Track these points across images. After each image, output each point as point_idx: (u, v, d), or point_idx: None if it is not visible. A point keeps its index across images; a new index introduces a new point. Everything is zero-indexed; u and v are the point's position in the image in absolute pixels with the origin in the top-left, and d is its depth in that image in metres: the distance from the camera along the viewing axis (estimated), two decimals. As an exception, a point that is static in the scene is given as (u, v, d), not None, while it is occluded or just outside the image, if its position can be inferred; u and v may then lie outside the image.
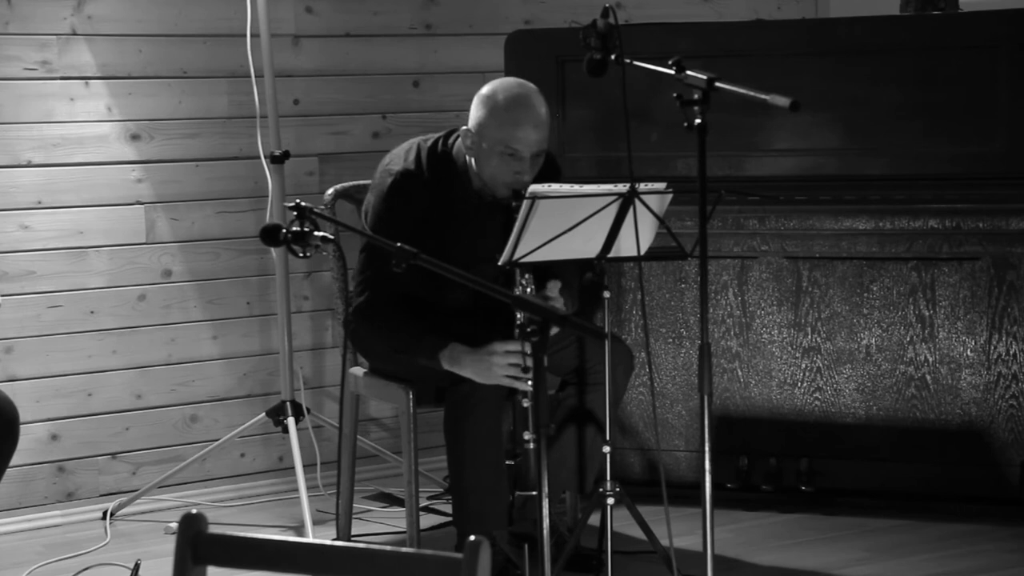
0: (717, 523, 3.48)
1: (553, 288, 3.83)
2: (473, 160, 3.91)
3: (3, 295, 4.38)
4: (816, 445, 4.63)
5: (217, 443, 4.79)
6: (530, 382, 3.60)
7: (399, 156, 3.98)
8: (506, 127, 3.81)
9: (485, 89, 3.89)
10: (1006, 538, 4.35)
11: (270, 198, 4.66)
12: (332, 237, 3.18)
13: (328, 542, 2.01)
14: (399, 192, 3.89)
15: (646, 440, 4.74)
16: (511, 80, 3.93)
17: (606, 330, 3.69)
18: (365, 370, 4.27)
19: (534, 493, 3.08)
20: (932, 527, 4.45)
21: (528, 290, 3.70)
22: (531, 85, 3.91)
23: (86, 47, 4.67)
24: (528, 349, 3.59)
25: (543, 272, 3.81)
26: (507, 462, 4.35)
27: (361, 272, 3.96)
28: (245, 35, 4.69)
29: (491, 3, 5.27)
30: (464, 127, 3.89)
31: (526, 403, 3.64)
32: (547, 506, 2.97)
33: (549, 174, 3.97)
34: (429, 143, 3.98)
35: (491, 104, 3.84)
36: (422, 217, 3.89)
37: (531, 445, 3.53)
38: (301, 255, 3.19)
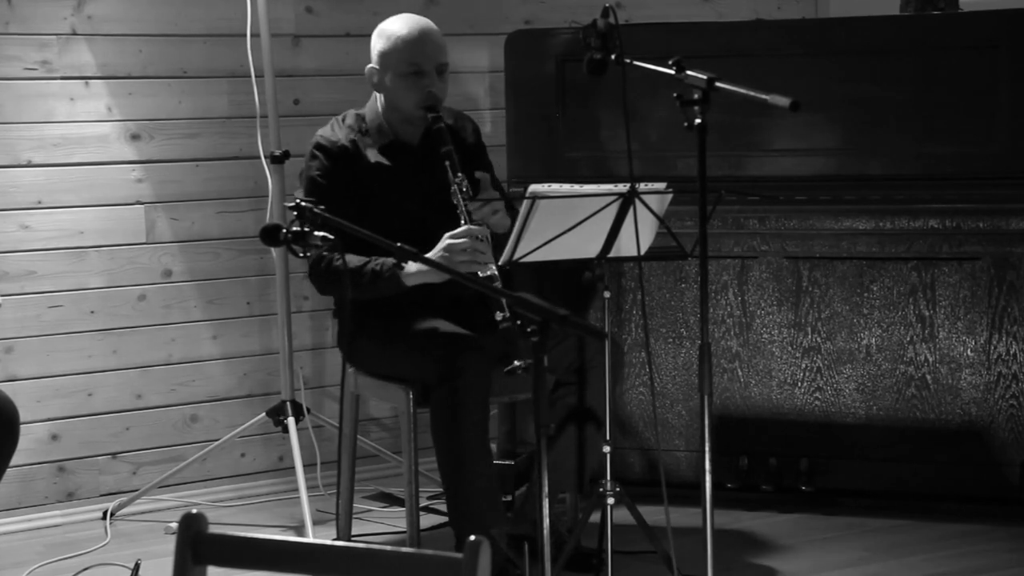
0: (717, 523, 3.48)
1: (485, 183, 4.00)
2: (383, 97, 4.10)
3: (3, 295, 4.38)
4: (816, 445, 4.63)
5: (217, 443, 4.79)
6: (491, 267, 3.74)
7: (321, 130, 4.16)
8: (404, 47, 4.04)
9: (380, 25, 4.13)
10: (1005, 538, 4.35)
11: (270, 198, 4.66)
12: (332, 237, 3.18)
13: (328, 542, 2.01)
14: (321, 153, 4.06)
15: (646, 440, 4.74)
16: (401, 14, 4.14)
17: (606, 330, 3.69)
18: (364, 370, 4.27)
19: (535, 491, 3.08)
20: (932, 527, 4.45)
21: (464, 187, 3.87)
22: (419, 15, 4.14)
23: (86, 47, 4.67)
24: (484, 233, 3.81)
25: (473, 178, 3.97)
26: (507, 462, 4.37)
27: None
28: (245, 35, 4.69)
29: (491, 3, 5.27)
30: (368, 66, 4.10)
31: (499, 316, 3.66)
32: (547, 506, 2.97)
33: (469, 131, 4.21)
34: (342, 114, 4.18)
35: (386, 33, 4.09)
36: (347, 174, 4.03)
37: (504, 325, 3.57)
38: (301, 255, 3.19)
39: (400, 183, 4.06)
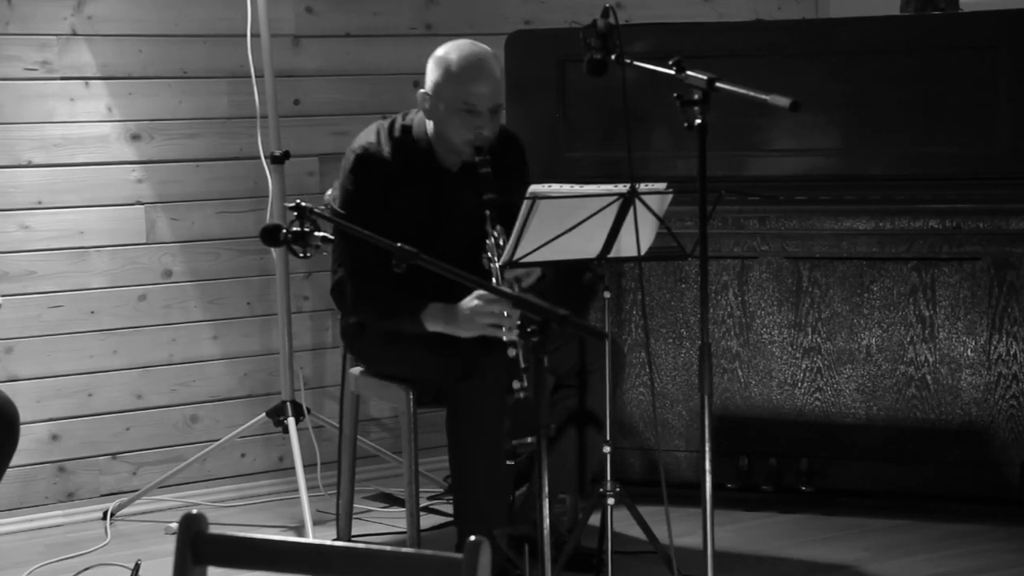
0: (717, 523, 3.48)
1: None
2: (432, 123, 3.98)
3: (4, 295, 4.38)
4: (816, 445, 4.63)
5: (217, 443, 4.79)
6: (515, 332, 3.67)
7: (362, 136, 4.06)
8: (462, 84, 3.89)
9: (439, 51, 3.97)
10: (1006, 538, 4.35)
11: (270, 198, 4.66)
12: (332, 237, 3.18)
13: (328, 542, 2.01)
14: (362, 167, 3.97)
15: (646, 440, 4.74)
16: (463, 40, 4.00)
17: (606, 330, 3.69)
18: (364, 370, 4.27)
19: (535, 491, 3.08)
20: (932, 527, 4.45)
21: (500, 241, 3.75)
22: (483, 44, 3.99)
23: (86, 47, 4.67)
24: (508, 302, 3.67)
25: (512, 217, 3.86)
26: (507, 462, 4.36)
27: (335, 248, 3.98)
28: (245, 35, 4.69)
29: (491, 3, 5.27)
30: (421, 91, 3.97)
31: (512, 352, 3.63)
32: (547, 506, 2.97)
33: (512, 153, 4.08)
34: (388, 122, 4.06)
35: (445, 63, 3.93)
36: (389, 192, 3.96)
37: (521, 395, 3.52)
38: (301, 255, 3.19)
39: (436, 209, 3.99)
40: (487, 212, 3.79)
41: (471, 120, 3.89)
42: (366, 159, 3.97)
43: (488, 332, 3.76)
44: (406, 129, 4.02)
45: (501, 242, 3.76)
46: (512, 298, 3.40)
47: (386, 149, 3.99)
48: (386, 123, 4.05)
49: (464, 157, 3.95)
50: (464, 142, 3.91)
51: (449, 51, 3.95)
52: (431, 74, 3.95)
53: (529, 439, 3.43)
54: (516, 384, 3.55)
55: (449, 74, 3.91)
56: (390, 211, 3.93)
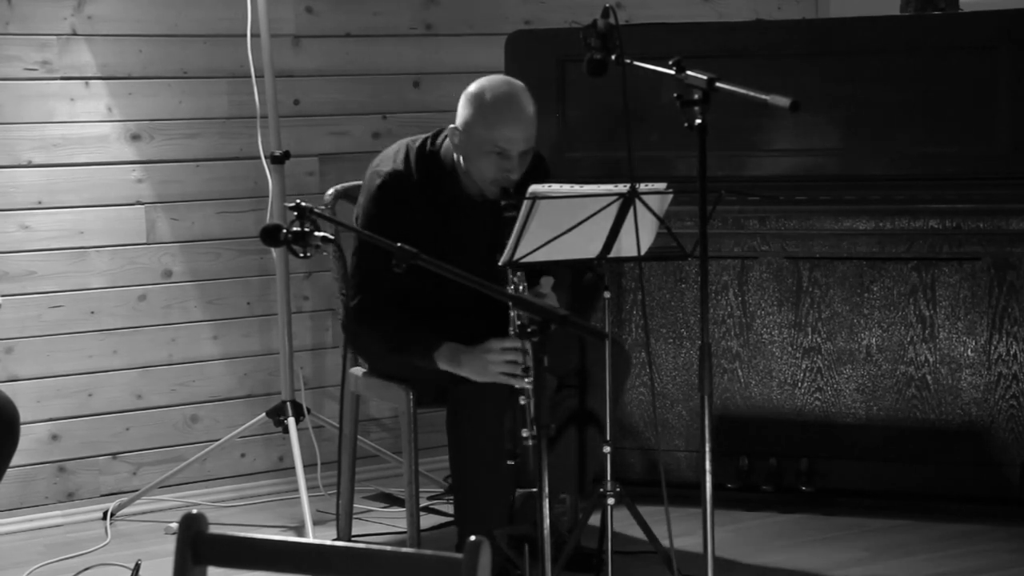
0: (717, 523, 3.48)
1: (546, 285, 3.84)
2: (461, 158, 3.92)
3: (4, 295, 4.38)
4: (816, 445, 4.63)
5: (217, 443, 4.79)
6: (527, 380, 3.61)
7: (388, 157, 4.00)
8: (494, 126, 3.83)
9: (473, 87, 3.91)
10: (1006, 538, 4.35)
11: (270, 198, 4.66)
12: (332, 237, 3.18)
13: (328, 542, 2.01)
14: (388, 192, 3.92)
15: (646, 440, 4.74)
16: (499, 78, 3.96)
17: (606, 330, 3.69)
18: (365, 370, 4.27)
19: (534, 490, 3.08)
20: (932, 527, 4.45)
21: (520, 288, 3.71)
22: (519, 83, 3.93)
23: (86, 47, 4.67)
24: (525, 347, 3.62)
25: (535, 270, 3.82)
26: (507, 462, 4.36)
27: (353, 275, 3.97)
28: (245, 35, 4.69)
29: (491, 3, 5.27)
30: (452, 125, 3.91)
31: (523, 401, 3.63)
32: (547, 506, 2.97)
33: (538, 175, 3.98)
34: (417, 143, 4.00)
35: (479, 102, 3.86)
36: (412, 217, 3.91)
37: (530, 442, 3.51)
38: (301, 255, 3.19)
39: (456, 239, 3.95)
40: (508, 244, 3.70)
41: (500, 163, 3.85)
42: (392, 185, 3.92)
43: (501, 380, 3.75)
44: (434, 154, 3.98)
45: (522, 288, 3.70)
46: (512, 298, 3.40)
47: (414, 172, 3.94)
48: (415, 144, 4.00)
49: (489, 196, 3.91)
50: (491, 182, 3.87)
51: (484, 90, 3.88)
52: (463, 111, 3.89)
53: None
54: (525, 432, 3.55)
55: (482, 114, 3.85)
56: (410, 234, 3.86)
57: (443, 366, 3.84)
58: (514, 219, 3.71)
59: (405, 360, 3.93)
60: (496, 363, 3.74)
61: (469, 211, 3.97)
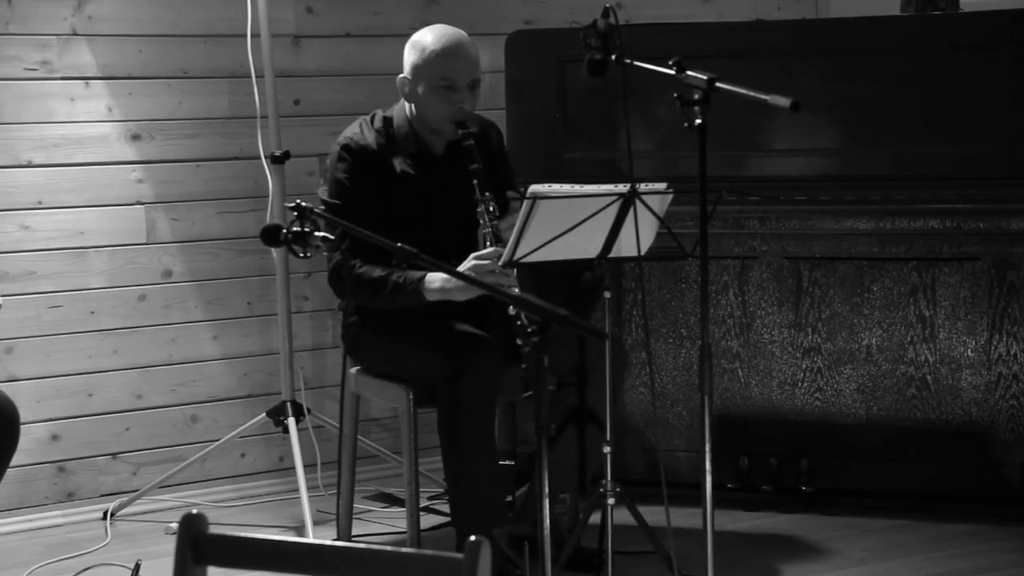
0: (717, 523, 3.48)
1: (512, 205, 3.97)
2: (414, 107, 4.07)
3: (4, 295, 4.38)
4: (816, 445, 4.63)
5: (217, 443, 4.79)
6: (515, 286, 3.72)
7: (346, 131, 4.12)
8: (438, 61, 4.00)
9: (414, 36, 4.10)
10: (1006, 538, 4.35)
11: (270, 198, 4.66)
12: (332, 237, 3.18)
13: (328, 542, 2.01)
14: (349, 156, 4.03)
15: (646, 440, 4.74)
16: (437, 24, 4.12)
17: (606, 330, 3.69)
18: (361, 369, 4.27)
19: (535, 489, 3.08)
20: (932, 527, 4.45)
21: (491, 207, 3.87)
22: (456, 28, 4.10)
23: (86, 47, 4.67)
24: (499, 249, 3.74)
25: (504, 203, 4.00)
26: (507, 462, 4.37)
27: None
28: (245, 35, 4.69)
29: (491, 3, 5.27)
30: (400, 76, 4.06)
31: (513, 310, 3.63)
32: (547, 506, 2.97)
33: (494, 137, 4.19)
34: (369, 116, 4.14)
35: (421, 46, 4.04)
36: (375, 178, 4.02)
37: (527, 349, 3.50)
38: (301, 255, 3.19)
39: (424, 194, 4.05)
40: (475, 181, 3.88)
41: (451, 96, 3.98)
42: (352, 148, 4.04)
43: (488, 291, 3.75)
44: (387, 120, 4.11)
45: (492, 207, 3.88)
46: (512, 298, 3.40)
47: (370, 138, 4.06)
48: (367, 117, 4.13)
49: (447, 135, 4.03)
50: (445, 118, 3.99)
51: (424, 34, 4.07)
52: (408, 57, 4.06)
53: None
54: (520, 342, 3.57)
55: (425, 53, 4.02)
56: (381, 198, 3.97)
57: (433, 296, 3.89)
58: (472, 148, 3.90)
59: (394, 303, 3.94)
60: (483, 272, 3.77)
61: (431, 163, 4.08)
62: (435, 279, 3.87)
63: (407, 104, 4.08)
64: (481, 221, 3.89)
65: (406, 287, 3.90)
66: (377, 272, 3.93)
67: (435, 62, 4.00)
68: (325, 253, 3.33)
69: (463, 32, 4.09)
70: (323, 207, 3.96)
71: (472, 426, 3.84)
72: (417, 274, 3.88)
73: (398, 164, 4.05)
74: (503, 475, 4.05)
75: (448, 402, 3.88)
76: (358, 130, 4.08)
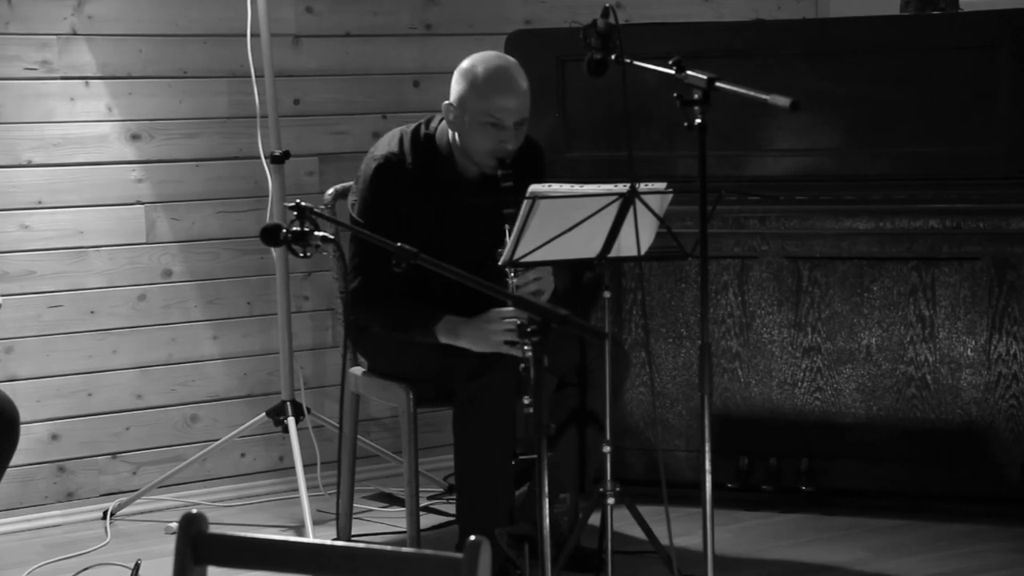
0: (717, 523, 3.48)
1: (544, 271, 3.86)
2: (456, 135, 3.97)
3: (3, 295, 4.38)
4: (816, 445, 4.63)
5: (217, 443, 4.79)
6: (527, 347, 3.61)
7: (383, 143, 4.05)
8: (488, 97, 3.89)
9: (465, 63, 3.96)
10: (1006, 538, 4.35)
11: (270, 198, 4.66)
12: (332, 237, 3.19)
13: (328, 542, 2.01)
14: (383, 176, 3.96)
15: (646, 440, 4.74)
16: (490, 52, 4.00)
17: (606, 330, 3.69)
18: (365, 370, 4.27)
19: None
20: (932, 527, 4.45)
21: (514, 275, 3.76)
22: (511, 57, 4.00)
23: (86, 47, 4.67)
24: (523, 316, 3.66)
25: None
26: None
27: (352, 258, 4.00)
28: (245, 35, 4.69)
29: (491, 3, 5.27)
30: (446, 102, 3.96)
31: (523, 366, 3.63)
32: (547, 506, 2.97)
33: (534, 162, 4.06)
34: (411, 128, 4.05)
35: (471, 76, 3.92)
36: (408, 201, 3.95)
37: (531, 410, 3.50)
38: (301, 255, 3.19)
39: (454, 219, 3.99)
40: (507, 226, 3.73)
41: (496, 134, 3.89)
42: (387, 169, 3.96)
43: (503, 349, 3.76)
44: (429, 137, 4.02)
45: (514, 277, 3.76)
46: (512, 298, 3.40)
47: (408, 157, 3.98)
48: (409, 129, 4.04)
49: (487, 170, 3.94)
50: (488, 154, 3.91)
51: (476, 63, 3.94)
52: (456, 85, 3.94)
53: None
54: (527, 400, 3.56)
55: (475, 87, 3.90)
56: (406, 218, 3.93)
57: (444, 339, 3.87)
58: (510, 191, 3.77)
59: (406, 337, 3.94)
60: (497, 332, 3.77)
61: (464, 191, 4.00)
62: (450, 325, 3.86)
63: (449, 130, 3.99)
64: (507, 270, 3.74)
65: (419, 322, 3.90)
66: (395, 301, 3.92)
67: (484, 98, 3.88)
68: (325, 253, 3.33)
69: (514, 62, 3.96)
70: (351, 221, 3.94)
71: (488, 427, 3.83)
72: (435, 314, 3.87)
73: (432, 186, 3.97)
74: (513, 475, 4.04)
75: (465, 402, 3.86)
76: (397, 147, 3.99)
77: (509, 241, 3.60)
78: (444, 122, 4.00)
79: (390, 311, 3.94)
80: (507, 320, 3.78)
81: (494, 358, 3.81)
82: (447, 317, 3.87)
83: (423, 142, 4.01)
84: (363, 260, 3.96)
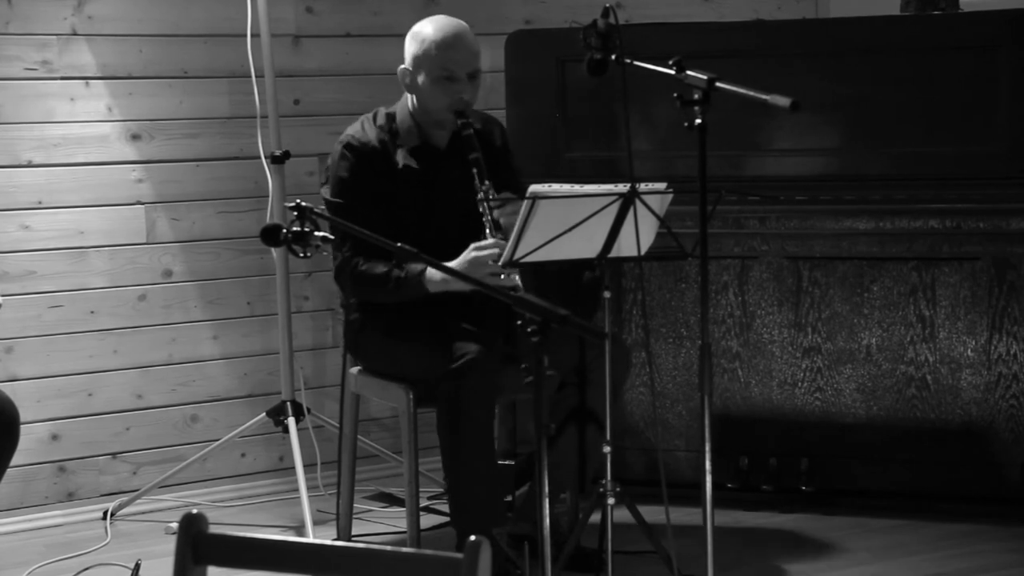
0: (717, 523, 3.48)
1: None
2: (415, 98, 4.07)
3: (4, 295, 4.38)
4: (816, 445, 4.63)
5: (218, 443, 4.79)
6: (516, 276, 3.74)
7: (347, 130, 4.14)
8: (439, 51, 4.01)
9: (415, 27, 4.10)
10: (1006, 538, 4.35)
11: (270, 198, 4.66)
12: (332, 237, 3.18)
13: (328, 542, 2.01)
14: (351, 154, 4.04)
15: (646, 440, 4.74)
16: (438, 15, 4.12)
17: (606, 330, 3.69)
18: (363, 370, 4.27)
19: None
20: (932, 527, 4.45)
21: (491, 194, 3.88)
22: (458, 19, 4.11)
23: (86, 47, 4.67)
24: (502, 243, 3.74)
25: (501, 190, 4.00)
26: (507, 462, 4.37)
27: (334, 233, 4.00)
28: (246, 35, 4.69)
29: (491, 3, 5.27)
30: (401, 67, 4.07)
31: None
32: (547, 506, 2.97)
33: (498, 133, 4.19)
34: (371, 113, 4.15)
35: (422, 36, 4.05)
36: (378, 175, 4.02)
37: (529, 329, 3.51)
38: (301, 255, 3.19)
39: (428, 187, 4.06)
40: (474, 170, 3.89)
41: (451, 87, 4.00)
42: (353, 146, 4.05)
43: (489, 281, 3.76)
44: (390, 116, 4.12)
45: (491, 194, 3.89)
46: (512, 299, 3.40)
47: (372, 134, 4.07)
48: (370, 115, 4.14)
49: (448, 126, 4.04)
50: (445, 108, 4.00)
51: (424, 24, 4.07)
52: (409, 47, 4.07)
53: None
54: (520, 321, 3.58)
55: (425, 44, 4.02)
56: (383, 194, 3.98)
57: (435, 288, 3.90)
58: (472, 137, 3.92)
59: (399, 296, 3.96)
60: (481, 263, 3.80)
61: (434, 157, 4.08)
62: (436, 273, 3.88)
63: (409, 97, 4.09)
64: (480, 209, 3.89)
65: (409, 281, 3.92)
66: (380, 268, 3.95)
67: (435, 53, 4.00)
68: (325, 253, 3.33)
69: (463, 23, 4.09)
70: (325, 206, 3.97)
71: (471, 426, 3.84)
72: (419, 267, 3.89)
73: (401, 158, 4.05)
74: (503, 475, 4.05)
75: (447, 402, 3.88)
76: (360, 128, 4.09)
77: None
78: (402, 100, 4.09)
79: (376, 276, 3.96)
80: (486, 248, 3.82)
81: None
82: (429, 265, 3.87)
83: (385, 121, 4.10)
84: (341, 236, 3.97)
